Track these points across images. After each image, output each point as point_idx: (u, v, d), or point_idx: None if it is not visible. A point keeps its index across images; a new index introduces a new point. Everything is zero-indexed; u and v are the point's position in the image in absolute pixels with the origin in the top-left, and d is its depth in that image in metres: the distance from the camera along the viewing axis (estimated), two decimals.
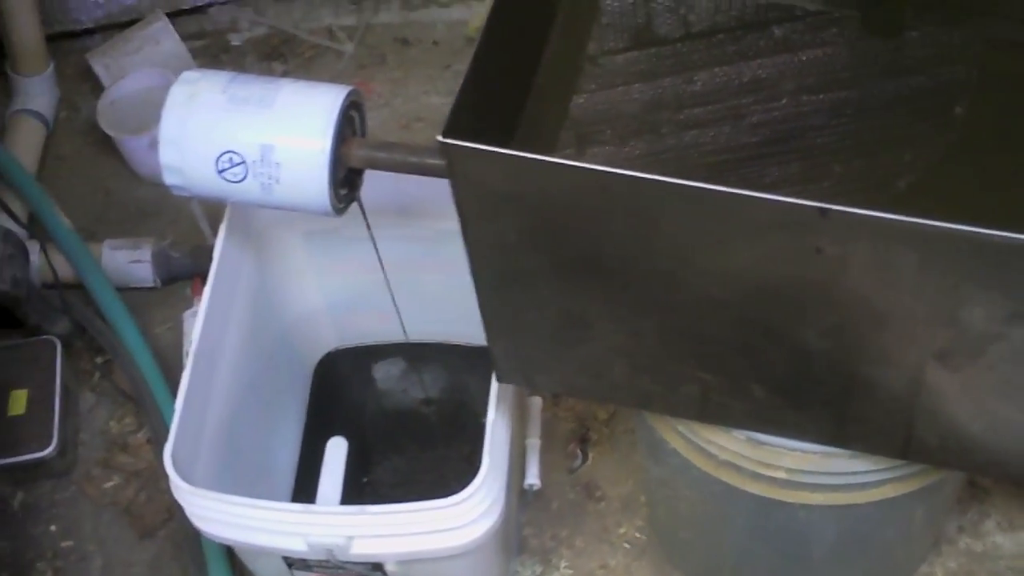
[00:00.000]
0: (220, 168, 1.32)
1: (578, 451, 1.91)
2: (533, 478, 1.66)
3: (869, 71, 1.34)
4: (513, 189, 1.07)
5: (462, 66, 1.10)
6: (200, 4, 2.58)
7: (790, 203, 0.98)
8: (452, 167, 1.06)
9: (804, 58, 1.35)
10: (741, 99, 1.32)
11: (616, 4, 1.41)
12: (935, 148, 1.29)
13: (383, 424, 1.97)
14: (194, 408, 1.50)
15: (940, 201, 1.22)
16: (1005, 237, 0.94)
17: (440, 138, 1.02)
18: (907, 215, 0.96)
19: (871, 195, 1.24)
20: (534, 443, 1.69)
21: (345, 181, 1.36)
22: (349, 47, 2.55)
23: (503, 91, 1.23)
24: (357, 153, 1.33)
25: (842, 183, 1.25)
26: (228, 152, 1.31)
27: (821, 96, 1.32)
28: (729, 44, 1.37)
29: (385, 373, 1.99)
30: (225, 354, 1.62)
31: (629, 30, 1.40)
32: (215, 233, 1.62)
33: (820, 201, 0.98)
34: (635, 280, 1.15)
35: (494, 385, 1.44)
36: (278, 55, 2.56)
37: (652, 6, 1.40)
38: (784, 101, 1.31)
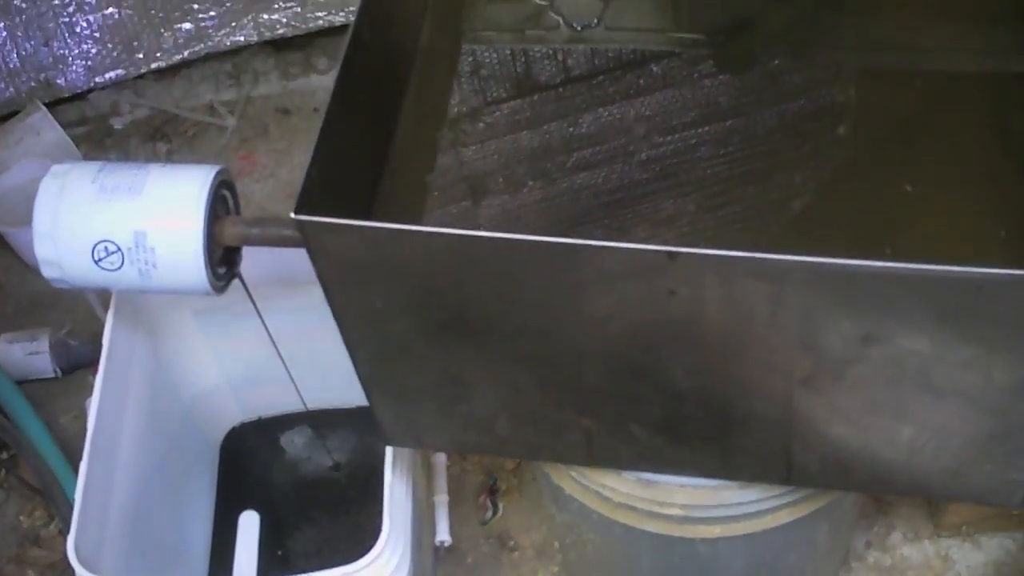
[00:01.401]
0: (97, 258, 1.31)
1: (488, 503, 1.92)
2: (444, 534, 1.67)
3: (750, 100, 1.36)
4: (370, 258, 1.08)
5: None
6: (79, 91, 2.57)
7: (638, 249, 0.99)
8: (308, 242, 1.06)
9: (685, 92, 1.37)
10: (628, 137, 1.34)
11: (493, 56, 1.43)
12: (823, 168, 1.31)
13: (295, 494, 1.97)
14: (96, 496, 1.49)
15: (834, 220, 1.25)
16: (845, 265, 0.96)
17: (293, 215, 1.03)
18: (751, 252, 0.98)
19: (767, 219, 1.27)
20: (442, 499, 1.70)
21: (223, 260, 1.36)
22: (231, 121, 2.56)
23: (360, 158, 1.24)
24: (231, 231, 1.33)
25: (737, 210, 1.27)
26: (103, 241, 1.30)
27: (707, 128, 1.34)
28: (610, 85, 1.39)
29: (292, 443, 1.99)
30: (125, 439, 1.62)
31: (510, 80, 1.41)
32: None
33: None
34: (503, 336, 1.16)
35: (389, 447, 1.45)
36: (161, 135, 2.56)
37: (530, 55, 1.42)
38: (671, 136, 1.33)
